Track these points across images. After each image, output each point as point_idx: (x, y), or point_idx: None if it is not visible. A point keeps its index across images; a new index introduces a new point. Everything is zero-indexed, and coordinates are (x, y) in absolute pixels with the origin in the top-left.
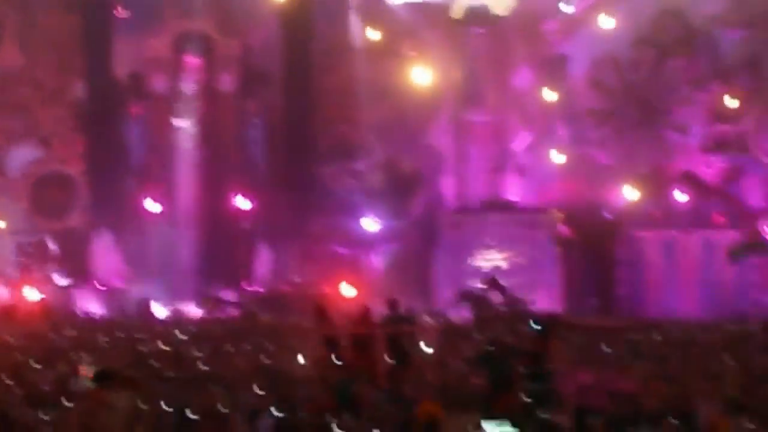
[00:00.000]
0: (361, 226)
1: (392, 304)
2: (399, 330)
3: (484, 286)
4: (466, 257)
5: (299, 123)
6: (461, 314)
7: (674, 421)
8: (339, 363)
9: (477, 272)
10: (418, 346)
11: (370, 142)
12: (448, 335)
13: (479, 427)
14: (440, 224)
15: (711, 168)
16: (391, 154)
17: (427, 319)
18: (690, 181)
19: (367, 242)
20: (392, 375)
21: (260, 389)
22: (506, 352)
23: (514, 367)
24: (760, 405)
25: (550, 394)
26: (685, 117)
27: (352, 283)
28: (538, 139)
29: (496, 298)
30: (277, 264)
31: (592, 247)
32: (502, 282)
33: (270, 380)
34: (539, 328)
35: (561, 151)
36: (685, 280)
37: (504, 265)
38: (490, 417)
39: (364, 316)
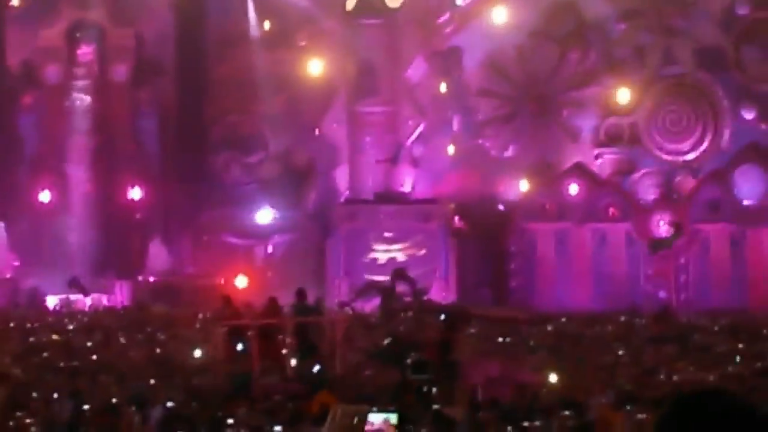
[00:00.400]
0: (254, 217)
1: (300, 295)
2: (307, 320)
3: (391, 278)
4: (360, 248)
5: (192, 113)
6: (368, 305)
7: (567, 413)
8: (244, 353)
9: (372, 263)
10: (324, 336)
11: (263, 133)
12: (355, 326)
13: (366, 418)
14: (334, 215)
15: (603, 161)
16: (285, 145)
17: (335, 309)
18: (582, 173)
19: (261, 233)
20: (299, 365)
21: (153, 379)
22: (406, 346)
23: (412, 359)
24: (652, 396)
25: (447, 386)
26: (578, 110)
27: (245, 274)
28: (432, 130)
29: (403, 289)
30: (170, 254)
31: (486, 239)
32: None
33: (162, 370)
34: (445, 319)
35: (455, 142)
36: (577, 272)
37: (399, 256)
38: (382, 409)
39: (271, 306)
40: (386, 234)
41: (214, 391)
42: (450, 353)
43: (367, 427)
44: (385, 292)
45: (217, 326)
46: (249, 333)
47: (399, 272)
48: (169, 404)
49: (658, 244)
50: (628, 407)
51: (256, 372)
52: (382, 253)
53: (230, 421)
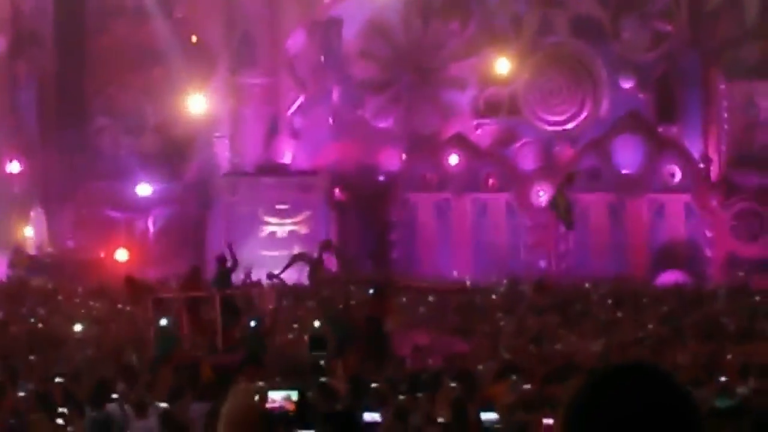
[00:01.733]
0: (135, 190)
1: (221, 260)
2: (235, 292)
3: (319, 249)
4: (240, 220)
5: (72, 85)
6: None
7: (452, 385)
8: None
9: (253, 234)
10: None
11: (143, 106)
12: (283, 298)
13: (266, 396)
14: (215, 188)
15: (483, 131)
16: (164, 117)
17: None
18: (462, 144)
19: (141, 206)
20: (224, 336)
21: (33, 354)
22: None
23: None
24: (534, 364)
25: (379, 358)
26: (458, 80)
27: (126, 248)
28: (312, 102)
29: (330, 261)
30: (49, 228)
31: (366, 210)
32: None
33: (43, 345)
34: (374, 291)
35: (334, 114)
36: (457, 242)
37: (281, 228)
38: (282, 386)
39: (193, 275)
40: (265, 205)
41: (101, 365)
42: (379, 325)
43: (268, 404)
44: (313, 262)
45: (145, 300)
46: (175, 305)
47: (326, 243)
48: (58, 380)
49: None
50: (513, 377)
51: (186, 344)
52: (276, 226)
53: (114, 396)
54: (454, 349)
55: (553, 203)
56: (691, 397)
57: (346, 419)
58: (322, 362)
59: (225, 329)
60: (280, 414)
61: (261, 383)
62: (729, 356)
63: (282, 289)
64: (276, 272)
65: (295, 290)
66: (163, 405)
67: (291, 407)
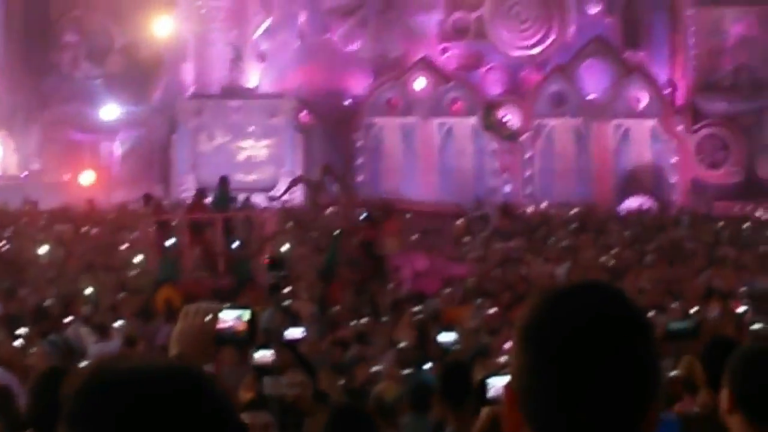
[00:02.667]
0: (100, 113)
1: (223, 182)
2: (236, 215)
3: (320, 172)
4: (206, 144)
5: (37, 8)
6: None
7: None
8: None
9: (218, 158)
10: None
11: (109, 27)
12: (285, 220)
13: (217, 316)
14: (180, 111)
15: (449, 55)
16: (130, 40)
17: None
18: (428, 68)
19: (107, 129)
20: (228, 260)
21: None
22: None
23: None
24: (499, 289)
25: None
26: (425, 5)
27: (91, 170)
28: (278, 25)
29: (330, 184)
30: (15, 151)
31: (332, 134)
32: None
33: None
34: (368, 215)
35: (301, 37)
36: (423, 167)
37: (245, 151)
38: (234, 305)
39: (199, 199)
40: (231, 128)
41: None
42: (375, 248)
43: (219, 325)
44: (313, 185)
45: (148, 222)
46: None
47: (327, 167)
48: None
49: (493, 123)
50: (478, 301)
51: (188, 267)
52: (227, 147)
53: (70, 318)
54: (452, 272)
55: (487, 126)
56: (640, 312)
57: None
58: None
59: (226, 252)
60: (230, 334)
61: (209, 304)
62: (690, 281)
63: (283, 212)
64: (277, 195)
65: (296, 213)
66: (120, 323)
67: (242, 327)
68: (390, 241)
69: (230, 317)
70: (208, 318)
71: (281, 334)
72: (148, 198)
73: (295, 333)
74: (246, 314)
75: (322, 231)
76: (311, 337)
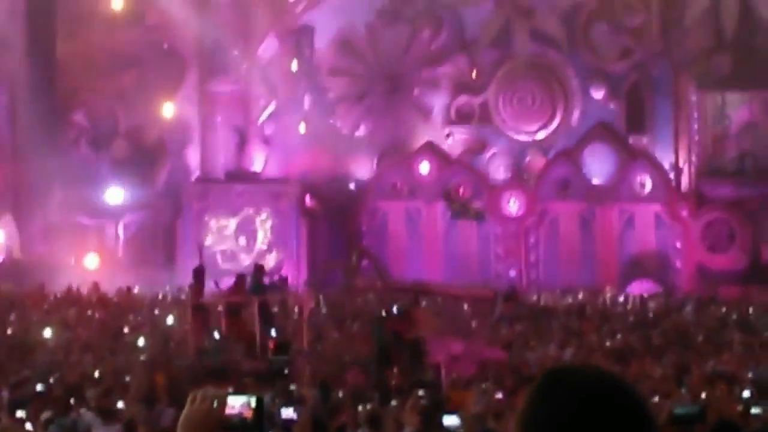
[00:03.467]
0: (105, 196)
1: (258, 270)
2: (273, 298)
3: (355, 255)
4: (212, 228)
5: (43, 91)
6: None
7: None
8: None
9: (223, 242)
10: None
11: (115, 112)
12: (321, 305)
13: (225, 402)
14: (185, 194)
15: (454, 140)
16: (135, 124)
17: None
18: (433, 152)
19: (111, 212)
20: (262, 342)
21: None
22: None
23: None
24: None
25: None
26: (429, 89)
27: (96, 254)
28: (283, 109)
29: (367, 267)
30: (20, 233)
31: (337, 219)
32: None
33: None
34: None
35: (306, 121)
36: (428, 251)
37: (248, 236)
38: (241, 391)
39: (239, 284)
40: (236, 213)
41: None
42: (405, 339)
43: (227, 411)
44: (349, 269)
45: (187, 304)
46: (218, 310)
47: (362, 250)
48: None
49: (459, 208)
50: (483, 385)
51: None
52: (231, 232)
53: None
54: (487, 356)
55: (456, 214)
56: (636, 395)
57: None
58: (285, 369)
59: (262, 335)
60: (238, 421)
61: (216, 390)
62: (696, 366)
63: (319, 296)
64: (312, 279)
65: (331, 297)
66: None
67: (249, 414)
68: (427, 324)
69: (238, 403)
70: (215, 403)
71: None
72: (196, 272)
73: (288, 413)
74: (253, 400)
75: (357, 315)
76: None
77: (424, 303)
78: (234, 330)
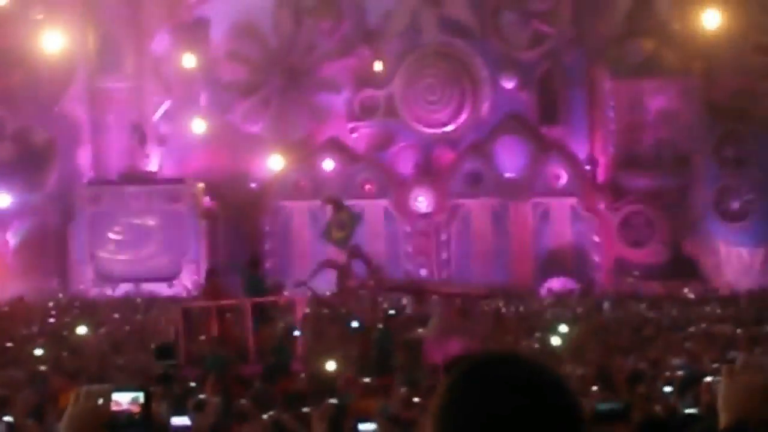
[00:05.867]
0: None
1: (253, 265)
2: (265, 301)
3: (347, 255)
4: (105, 232)
5: None
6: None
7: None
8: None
9: (116, 247)
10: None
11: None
12: (315, 306)
13: (110, 398)
14: (77, 198)
15: (359, 135)
16: (22, 125)
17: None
18: (337, 148)
19: None
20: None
21: None
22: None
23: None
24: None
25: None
26: (332, 83)
27: None
28: (178, 107)
29: (358, 267)
30: None
31: (238, 219)
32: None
33: None
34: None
35: (203, 119)
36: (333, 251)
37: (146, 239)
38: (128, 387)
39: (214, 282)
40: (130, 215)
41: None
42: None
43: (114, 408)
44: (341, 269)
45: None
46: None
47: (354, 249)
48: None
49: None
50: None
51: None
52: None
53: None
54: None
55: (327, 235)
56: (561, 381)
57: None
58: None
59: (257, 338)
60: (125, 417)
61: (102, 386)
62: (618, 364)
63: (313, 298)
64: (303, 280)
65: (325, 299)
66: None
67: (137, 410)
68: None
69: (124, 399)
70: (100, 401)
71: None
72: (209, 273)
73: (182, 421)
74: (140, 396)
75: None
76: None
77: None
78: (224, 334)
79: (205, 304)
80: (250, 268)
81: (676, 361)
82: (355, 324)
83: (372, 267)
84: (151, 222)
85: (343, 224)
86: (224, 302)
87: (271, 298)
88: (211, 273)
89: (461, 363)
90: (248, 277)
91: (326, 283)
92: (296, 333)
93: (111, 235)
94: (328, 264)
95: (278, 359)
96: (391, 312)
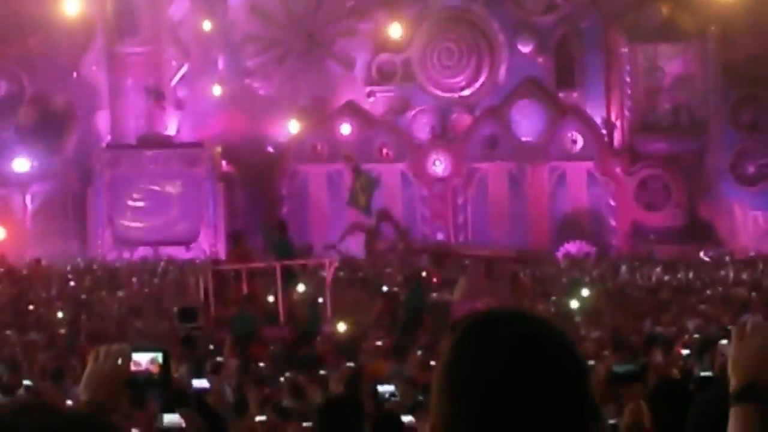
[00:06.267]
0: (11, 165)
1: (281, 228)
2: (294, 263)
3: (376, 218)
4: (124, 195)
5: None
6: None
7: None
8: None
9: (134, 214)
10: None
11: (19, 76)
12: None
13: (129, 358)
14: (95, 162)
15: (376, 99)
16: (41, 89)
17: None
18: (354, 112)
19: (18, 182)
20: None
21: None
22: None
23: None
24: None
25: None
26: (349, 47)
27: (2, 225)
28: (197, 71)
29: (387, 230)
30: None
31: (255, 183)
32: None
33: None
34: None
35: (220, 83)
36: (351, 215)
37: (164, 202)
38: (147, 348)
39: (239, 244)
40: (149, 178)
41: None
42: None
43: (133, 367)
44: (370, 232)
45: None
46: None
47: (383, 213)
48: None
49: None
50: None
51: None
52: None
53: None
54: None
55: (354, 202)
56: (566, 338)
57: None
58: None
59: (287, 302)
60: (144, 377)
61: (121, 346)
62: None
63: (341, 261)
64: (333, 243)
65: (354, 262)
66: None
67: (156, 369)
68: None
69: (144, 359)
70: (119, 360)
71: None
72: (237, 236)
73: (201, 383)
74: (159, 356)
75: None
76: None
77: None
78: (253, 296)
79: (235, 267)
80: (278, 232)
81: (691, 324)
82: (384, 288)
83: (400, 230)
84: (169, 188)
85: (363, 189)
86: (254, 264)
87: (301, 261)
88: (239, 235)
89: (466, 320)
90: (277, 240)
91: (355, 246)
92: (323, 297)
93: (130, 203)
94: (357, 227)
95: (309, 322)
96: (424, 273)
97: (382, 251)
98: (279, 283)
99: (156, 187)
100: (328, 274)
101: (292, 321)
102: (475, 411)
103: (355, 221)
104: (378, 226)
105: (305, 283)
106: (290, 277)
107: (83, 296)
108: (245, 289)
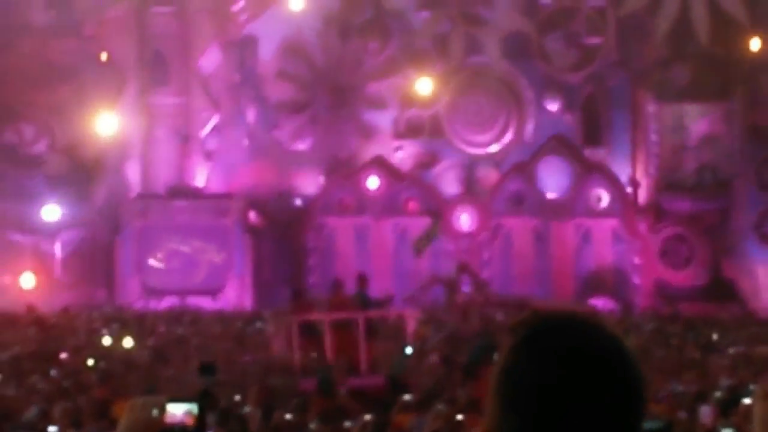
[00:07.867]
0: (41, 213)
1: (361, 282)
2: (375, 314)
3: (456, 271)
4: (152, 246)
5: None
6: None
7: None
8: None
9: (165, 260)
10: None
11: (50, 125)
12: (425, 321)
13: (164, 410)
14: (125, 211)
15: (404, 153)
16: (72, 138)
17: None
18: (382, 166)
19: (48, 230)
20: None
21: None
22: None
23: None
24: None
25: None
26: (378, 101)
27: (32, 273)
28: (226, 122)
29: (466, 284)
30: None
31: (282, 235)
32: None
33: None
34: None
35: (249, 135)
36: (377, 268)
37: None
38: (181, 399)
39: (340, 295)
40: (178, 230)
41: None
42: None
43: (168, 419)
44: (449, 285)
45: (291, 322)
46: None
47: (462, 266)
48: None
49: (420, 244)
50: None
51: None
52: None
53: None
54: None
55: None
56: (626, 352)
57: None
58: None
59: (370, 351)
60: (179, 429)
61: (156, 397)
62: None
63: (423, 314)
64: (413, 294)
65: (435, 314)
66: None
67: (191, 421)
68: None
69: (179, 411)
70: (155, 412)
71: None
72: (338, 284)
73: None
74: (195, 408)
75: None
76: None
77: None
78: (337, 347)
79: (320, 317)
80: (358, 284)
81: (715, 382)
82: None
83: (479, 283)
84: (197, 243)
85: (429, 237)
86: (340, 316)
87: (381, 312)
88: (339, 285)
89: (525, 323)
90: (356, 292)
91: (434, 299)
92: (409, 349)
93: (152, 262)
94: (438, 279)
95: (395, 373)
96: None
97: (462, 304)
98: (362, 333)
99: (185, 248)
100: (409, 326)
101: (373, 371)
102: (529, 416)
103: (434, 274)
104: (457, 279)
105: (388, 336)
106: (370, 329)
107: (109, 344)
108: (329, 340)
